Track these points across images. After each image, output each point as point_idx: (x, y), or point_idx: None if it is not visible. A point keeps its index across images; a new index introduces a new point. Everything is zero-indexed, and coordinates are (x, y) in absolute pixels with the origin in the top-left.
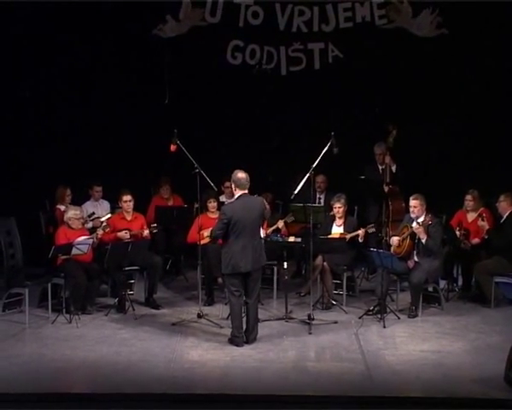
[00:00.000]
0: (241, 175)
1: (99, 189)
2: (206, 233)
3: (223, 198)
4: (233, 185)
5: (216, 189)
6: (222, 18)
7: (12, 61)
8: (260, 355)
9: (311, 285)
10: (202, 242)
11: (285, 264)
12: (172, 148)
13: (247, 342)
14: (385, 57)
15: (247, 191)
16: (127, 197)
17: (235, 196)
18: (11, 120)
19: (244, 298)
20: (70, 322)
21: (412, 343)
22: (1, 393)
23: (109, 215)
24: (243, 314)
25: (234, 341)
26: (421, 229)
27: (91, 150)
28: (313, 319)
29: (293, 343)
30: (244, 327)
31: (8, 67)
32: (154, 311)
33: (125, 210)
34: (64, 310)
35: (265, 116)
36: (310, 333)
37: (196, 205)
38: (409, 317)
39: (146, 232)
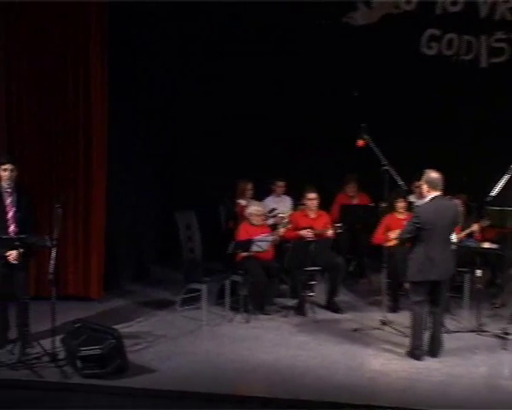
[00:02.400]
0: (434, 175)
1: (282, 184)
2: (393, 235)
3: (412, 198)
4: (426, 186)
5: (405, 187)
6: (417, 5)
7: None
8: (448, 369)
9: (506, 297)
10: (389, 244)
11: (478, 272)
12: (360, 143)
13: (433, 354)
14: None
15: (440, 193)
16: (312, 195)
17: (428, 198)
18: (193, 112)
19: (429, 307)
20: (248, 322)
21: None
22: (178, 390)
23: (291, 212)
24: (429, 324)
25: (413, 354)
26: None
27: (274, 144)
28: (509, 334)
29: (485, 359)
30: (426, 338)
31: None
32: (334, 315)
33: (309, 208)
34: (242, 309)
35: (462, 111)
36: (504, 349)
37: (383, 204)
38: None
39: (330, 231)
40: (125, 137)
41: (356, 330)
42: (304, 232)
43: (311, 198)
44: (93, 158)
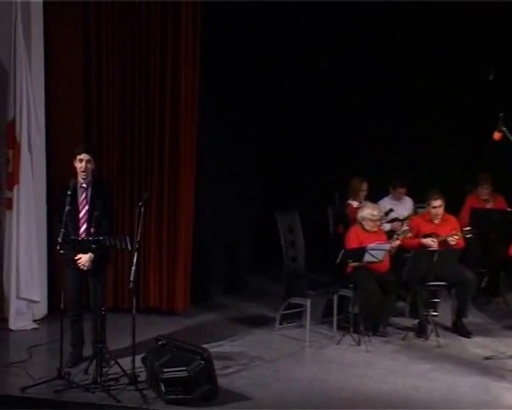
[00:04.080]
0: None
1: (402, 190)
2: None
3: None
4: None
5: None
6: None
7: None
8: None
9: None
10: None
11: None
12: (497, 136)
13: None
14: None
15: None
16: (437, 203)
17: None
18: (300, 103)
19: None
20: (358, 344)
21: None
22: None
23: (411, 215)
24: None
25: None
26: None
27: (394, 139)
28: None
29: None
30: None
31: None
32: (462, 339)
33: (433, 217)
34: (352, 329)
35: None
36: None
37: None
38: None
39: (454, 238)
40: (217, 134)
41: (488, 358)
42: (426, 240)
43: (436, 206)
44: (181, 155)
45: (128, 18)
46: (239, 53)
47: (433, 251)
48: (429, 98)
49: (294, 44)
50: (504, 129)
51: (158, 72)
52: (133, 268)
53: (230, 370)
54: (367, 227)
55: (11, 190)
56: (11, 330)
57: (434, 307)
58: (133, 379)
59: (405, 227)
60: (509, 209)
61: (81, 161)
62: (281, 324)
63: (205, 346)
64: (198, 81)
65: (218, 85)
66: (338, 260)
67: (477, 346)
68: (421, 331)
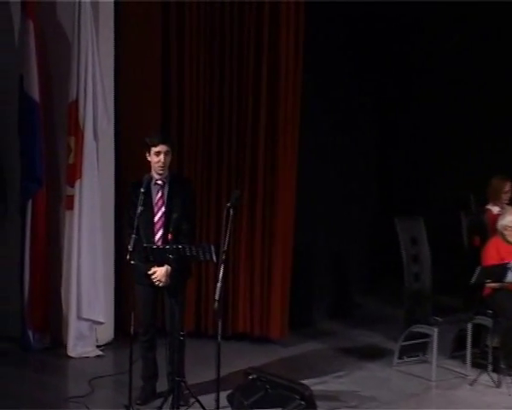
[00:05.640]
0: None
1: None
2: None
3: None
4: None
5: None
6: None
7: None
8: None
9: None
10: None
11: None
12: None
13: None
14: None
15: None
16: None
17: None
18: (404, 102)
19: None
20: (498, 386)
21: None
22: None
23: None
24: None
25: None
26: None
27: None
28: None
29: None
30: None
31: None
32: None
33: None
34: (490, 366)
35: None
36: None
37: None
38: None
39: None
40: (322, 134)
41: None
42: None
43: None
44: (279, 155)
45: (216, 19)
46: (343, 53)
47: None
48: None
49: (398, 45)
50: None
51: (252, 71)
52: (219, 284)
53: None
54: (510, 239)
55: (72, 186)
56: (70, 357)
57: None
58: None
59: None
60: None
61: (158, 154)
62: (400, 357)
63: (305, 382)
64: (300, 82)
65: (323, 85)
66: (473, 280)
67: None
68: None
